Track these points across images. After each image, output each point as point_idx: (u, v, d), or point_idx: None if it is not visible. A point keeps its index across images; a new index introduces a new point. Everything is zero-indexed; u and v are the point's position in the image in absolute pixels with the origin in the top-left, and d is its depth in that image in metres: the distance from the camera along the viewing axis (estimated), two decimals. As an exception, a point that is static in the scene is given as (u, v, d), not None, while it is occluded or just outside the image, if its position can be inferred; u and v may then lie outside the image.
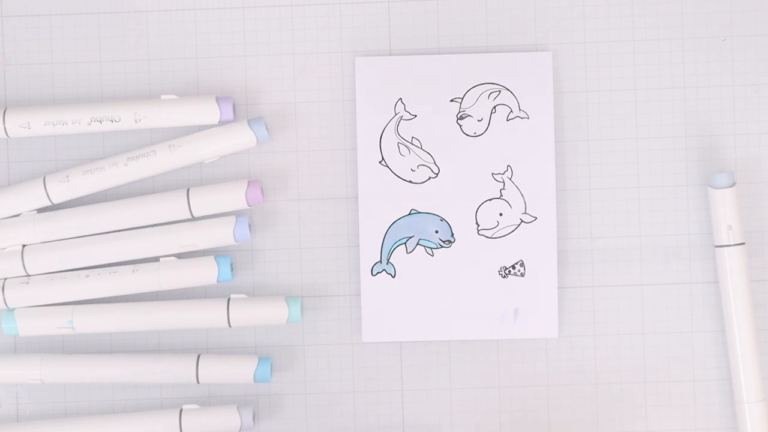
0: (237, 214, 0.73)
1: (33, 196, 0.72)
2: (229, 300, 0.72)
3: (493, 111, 0.73)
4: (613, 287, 0.74)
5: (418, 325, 0.73)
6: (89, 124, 0.72)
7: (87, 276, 0.72)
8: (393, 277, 0.73)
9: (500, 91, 0.73)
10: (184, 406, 0.72)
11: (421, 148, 0.73)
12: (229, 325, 0.72)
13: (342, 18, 0.74)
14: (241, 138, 0.72)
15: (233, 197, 0.72)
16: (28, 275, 0.72)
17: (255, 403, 0.74)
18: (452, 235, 0.73)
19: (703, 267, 0.74)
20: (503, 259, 0.73)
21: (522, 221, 0.73)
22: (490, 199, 0.73)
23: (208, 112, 0.72)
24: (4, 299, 0.72)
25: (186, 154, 0.72)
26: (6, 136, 0.72)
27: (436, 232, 0.73)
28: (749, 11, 0.73)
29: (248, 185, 0.72)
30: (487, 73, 0.73)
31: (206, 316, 0.72)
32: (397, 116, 0.73)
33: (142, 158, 0.72)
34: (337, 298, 0.74)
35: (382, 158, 0.73)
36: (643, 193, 0.74)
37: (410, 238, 0.73)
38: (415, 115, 0.73)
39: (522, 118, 0.73)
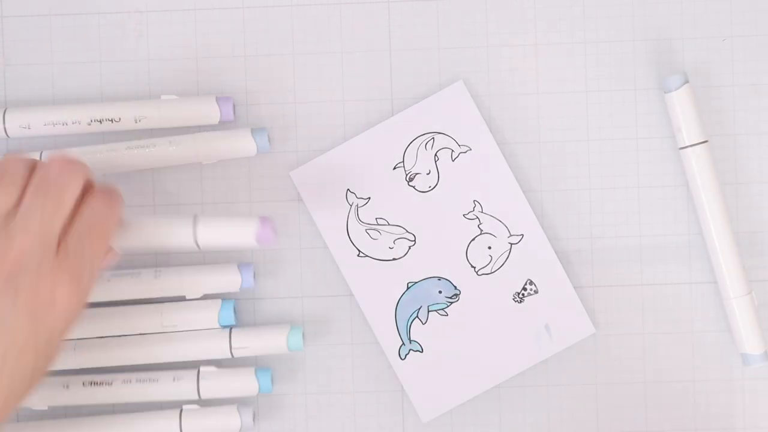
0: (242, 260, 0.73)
1: None
2: (231, 331, 0.73)
3: (437, 158, 0.73)
4: (613, 287, 0.74)
5: (465, 384, 0.73)
6: (89, 125, 0.72)
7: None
8: (422, 352, 0.73)
9: (433, 137, 0.73)
10: (184, 406, 0.72)
11: (389, 224, 0.73)
12: (232, 356, 0.72)
13: (342, 18, 0.74)
14: (242, 146, 0.72)
15: (242, 235, 0.72)
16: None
17: (255, 404, 0.74)
18: (456, 288, 0.73)
19: (702, 267, 0.74)
20: (512, 286, 0.73)
21: (511, 244, 0.73)
22: (473, 239, 0.73)
23: (208, 112, 0.72)
24: None
25: (185, 153, 0.72)
26: (6, 137, 0.72)
27: (440, 292, 0.73)
28: (749, 11, 0.74)
29: (260, 223, 0.68)
30: (413, 128, 0.73)
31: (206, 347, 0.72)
32: (353, 206, 0.73)
33: (140, 149, 0.71)
34: (336, 298, 0.74)
35: (359, 251, 0.73)
36: (643, 193, 0.74)
37: (419, 309, 0.73)
38: (369, 198, 0.73)
39: (465, 152, 0.73)
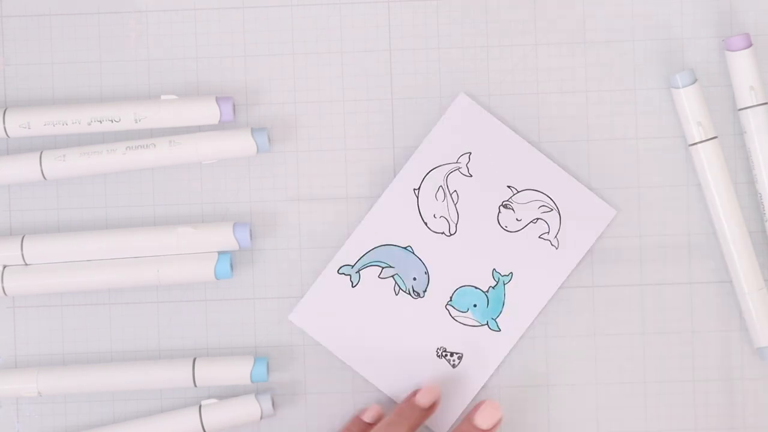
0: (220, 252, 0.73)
1: (26, 169, 0.72)
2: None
3: (534, 221, 0.73)
4: (613, 287, 0.74)
5: (345, 342, 0.73)
6: (89, 125, 0.72)
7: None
8: (353, 286, 0.73)
9: (551, 209, 0.73)
10: (203, 402, 0.72)
11: (455, 205, 0.73)
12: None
13: (342, 18, 0.74)
14: (242, 146, 0.72)
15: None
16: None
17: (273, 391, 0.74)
18: (425, 291, 0.73)
19: (703, 267, 0.74)
20: (447, 340, 0.73)
21: (488, 326, 0.73)
22: (475, 288, 0.73)
23: (208, 112, 0.72)
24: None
25: (185, 153, 0.72)
26: (6, 137, 0.72)
27: (414, 279, 0.73)
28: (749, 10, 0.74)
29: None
30: (554, 188, 0.73)
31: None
32: (456, 165, 0.73)
33: (141, 149, 0.72)
34: (337, 298, 0.74)
35: (419, 188, 0.73)
36: (643, 193, 0.74)
37: (390, 267, 0.73)
38: (471, 176, 0.73)
39: (553, 245, 0.73)
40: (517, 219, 0.73)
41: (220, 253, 0.72)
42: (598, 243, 0.74)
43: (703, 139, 0.71)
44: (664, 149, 0.74)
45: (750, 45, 0.71)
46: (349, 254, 0.73)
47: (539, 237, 0.73)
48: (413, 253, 0.73)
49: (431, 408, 0.71)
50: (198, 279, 0.72)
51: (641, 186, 0.74)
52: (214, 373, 0.72)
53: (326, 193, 0.74)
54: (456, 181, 0.73)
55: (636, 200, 0.74)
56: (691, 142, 0.72)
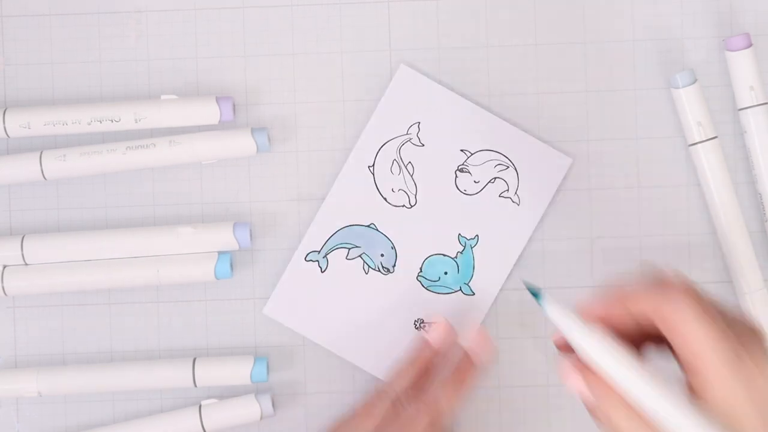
0: (220, 252, 0.73)
1: (26, 170, 0.72)
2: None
3: (492, 181, 0.73)
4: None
5: (320, 328, 0.73)
6: (89, 124, 0.72)
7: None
8: (322, 271, 0.73)
9: (507, 167, 0.73)
10: (203, 402, 0.72)
11: (411, 176, 0.73)
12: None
13: (342, 18, 0.74)
14: (242, 146, 0.72)
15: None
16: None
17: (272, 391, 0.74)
18: (394, 266, 0.73)
19: (702, 267, 0.74)
20: (423, 311, 0.73)
21: (461, 291, 0.73)
22: (444, 256, 0.73)
23: (208, 112, 0.72)
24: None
25: (185, 153, 0.72)
26: (6, 136, 0.72)
27: (382, 255, 0.73)
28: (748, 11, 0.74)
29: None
30: (506, 145, 0.73)
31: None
32: (407, 137, 0.73)
33: (141, 149, 0.72)
34: (337, 298, 0.74)
35: (373, 164, 0.73)
36: (643, 193, 0.74)
37: (357, 247, 0.73)
38: (423, 145, 0.73)
39: (514, 202, 0.73)
40: (474, 181, 0.73)
41: (220, 253, 0.72)
42: (598, 243, 0.74)
43: (703, 139, 0.71)
44: (664, 149, 0.74)
45: (750, 45, 0.71)
46: (314, 240, 0.73)
47: (499, 196, 0.73)
48: (377, 230, 0.73)
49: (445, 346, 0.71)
50: (198, 279, 0.72)
51: (641, 186, 0.74)
52: (214, 373, 0.72)
53: (326, 193, 0.74)
54: (409, 152, 0.73)
55: (636, 200, 0.74)
56: (691, 142, 0.72)
